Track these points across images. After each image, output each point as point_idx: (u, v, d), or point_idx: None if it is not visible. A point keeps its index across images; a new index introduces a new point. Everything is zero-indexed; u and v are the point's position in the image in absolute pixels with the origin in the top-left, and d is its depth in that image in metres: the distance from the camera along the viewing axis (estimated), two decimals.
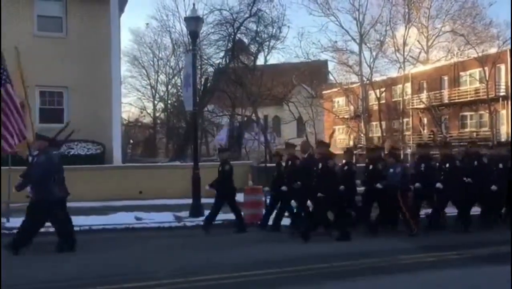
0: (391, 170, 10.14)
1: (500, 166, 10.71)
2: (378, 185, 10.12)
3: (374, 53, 38.21)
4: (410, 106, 40.00)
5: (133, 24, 79.09)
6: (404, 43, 38.69)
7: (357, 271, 7.01)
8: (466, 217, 10.48)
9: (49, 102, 18.37)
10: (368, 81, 38.57)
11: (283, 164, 10.91)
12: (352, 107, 43.39)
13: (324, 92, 43.76)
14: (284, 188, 10.32)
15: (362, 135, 40.94)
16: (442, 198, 10.44)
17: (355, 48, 38.25)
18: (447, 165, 10.39)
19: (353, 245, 9.02)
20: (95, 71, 18.14)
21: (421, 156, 11.22)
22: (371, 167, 10.74)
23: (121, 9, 20.88)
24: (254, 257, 8.03)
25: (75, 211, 12.31)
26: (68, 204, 12.97)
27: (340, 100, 46.76)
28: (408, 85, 39.94)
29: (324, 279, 6.68)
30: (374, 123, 42.25)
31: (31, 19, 18.05)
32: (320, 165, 9.50)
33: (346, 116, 44.19)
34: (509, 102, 31.84)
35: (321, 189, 9.34)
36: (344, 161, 10.87)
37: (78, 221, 11.26)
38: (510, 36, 29.84)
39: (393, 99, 41.90)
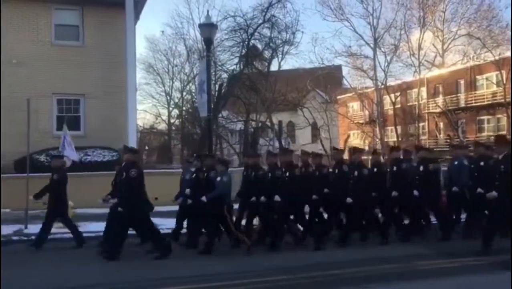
0: (218, 179, 9.16)
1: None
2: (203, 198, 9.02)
3: (388, 58, 37.99)
4: (426, 111, 39.62)
5: (148, 32, 79.86)
6: (419, 47, 38.38)
7: (374, 277, 6.96)
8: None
9: (66, 110, 18.64)
10: (382, 86, 38.33)
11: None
12: (367, 112, 43.15)
13: (338, 97, 43.59)
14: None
15: (377, 140, 40.66)
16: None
17: (370, 52, 38.11)
18: (482, 164, 9.79)
19: (369, 251, 8.97)
20: (111, 78, 18.38)
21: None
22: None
23: (137, 17, 21.12)
24: (269, 264, 8.03)
25: (91, 217, 12.50)
26: (86, 210, 13.20)
27: (355, 105, 46.53)
28: (424, 89, 39.59)
29: (340, 285, 6.66)
30: (389, 128, 41.93)
31: (49, 28, 18.38)
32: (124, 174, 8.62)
33: (361, 121, 43.94)
34: (509, 108, 31.42)
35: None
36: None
37: (94, 227, 11.40)
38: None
39: (409, 104, 41.56)
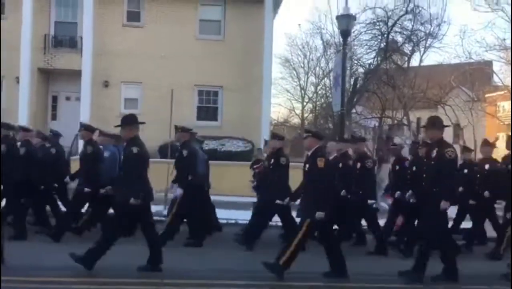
0: None
1: None
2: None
3: None
4: None
5: (286, 27, 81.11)
6: None
7: None
8: None
9: (205, 100, 19.68)
10: None
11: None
12: None
13: (487, 95, 39.81)
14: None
15: None
16: None
17: None
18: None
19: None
20: (248, 72, 18.94)
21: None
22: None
23: (275, 12, 21.46)
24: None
25: (224, 204, 12.95)
26: (219, 197, 13.73)
27: (506, 105, 42.10)
28: None
29: None
30: None
31: (194, 24, 19.53)
32: None
33: None
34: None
35: None
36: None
37: (227, 214, 11.82)
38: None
39: None
